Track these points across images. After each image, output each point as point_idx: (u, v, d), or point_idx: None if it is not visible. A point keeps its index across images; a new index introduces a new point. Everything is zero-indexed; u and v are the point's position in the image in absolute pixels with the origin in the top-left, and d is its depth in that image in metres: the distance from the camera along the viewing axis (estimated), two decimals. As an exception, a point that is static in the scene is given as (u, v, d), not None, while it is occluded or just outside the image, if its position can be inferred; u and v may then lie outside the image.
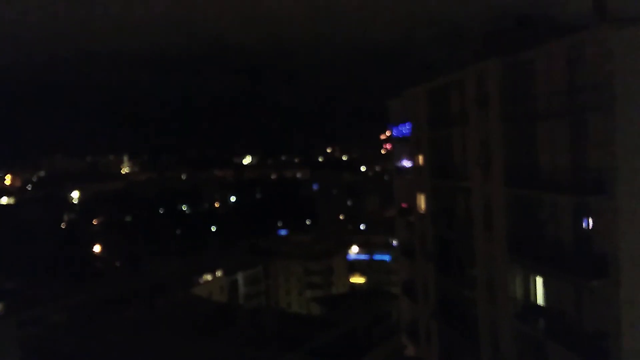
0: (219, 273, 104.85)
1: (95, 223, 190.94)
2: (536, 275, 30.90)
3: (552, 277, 29.00)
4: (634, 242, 24.31)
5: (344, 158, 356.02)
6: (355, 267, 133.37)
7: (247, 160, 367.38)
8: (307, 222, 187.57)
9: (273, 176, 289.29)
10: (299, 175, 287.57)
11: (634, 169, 24.13)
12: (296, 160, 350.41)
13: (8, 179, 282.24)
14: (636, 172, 24.17)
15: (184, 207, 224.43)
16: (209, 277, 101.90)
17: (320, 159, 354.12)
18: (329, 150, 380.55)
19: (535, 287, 31.14)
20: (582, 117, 25.90)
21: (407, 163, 49.76)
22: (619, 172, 24.05)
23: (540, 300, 30.71)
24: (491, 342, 35.12)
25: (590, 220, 26.36)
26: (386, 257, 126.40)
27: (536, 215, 30.37)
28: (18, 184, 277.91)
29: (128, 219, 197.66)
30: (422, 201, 46.09)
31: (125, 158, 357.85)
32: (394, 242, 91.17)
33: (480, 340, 36.51)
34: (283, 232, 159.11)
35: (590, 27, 25.29)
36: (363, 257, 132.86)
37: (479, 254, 36.28)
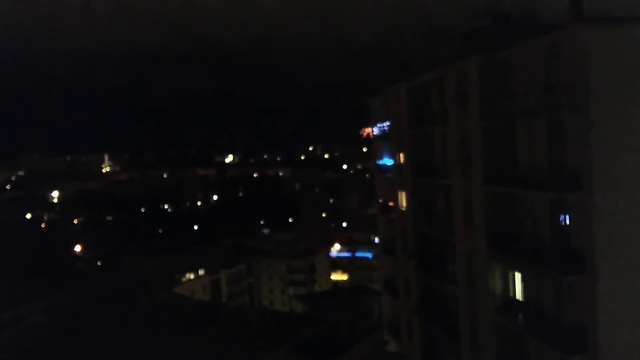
0: (201, 272, 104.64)
1: (76, 222, 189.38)
2: (515, 271, 31.33)
3: (530, 272, 29.42)
4: (610, 238, 24.81)
5: (326, 156, 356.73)
6: (338, 264, 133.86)
7: (229, 158, 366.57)
8: (290, 220, 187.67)
9: (255, 175, 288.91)
10: (281, 173, 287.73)
11: (610, 166, 24.63)
12: (278, 158, 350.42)
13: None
14: (612, 169, 24.68)
15: (166, 206, 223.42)
16: (191, 275, 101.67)
17: (302, 158, 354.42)
18: (311, 149, 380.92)
19: (514, 283, 31.56)
20: (559, 115, 26.31)
21: (388, 161, 50.06)
22: (595, 169, 24.52)
23: (519, 295, 31.13)
24: (471, 337, 35.55)
25: (568, 217, 26.83)
26: (368, 254, 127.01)
27: (515, 212, 30.78)
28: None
29: (109, 218, 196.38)
30: (403, 198, 46.42)
31: (106, 157, 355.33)
32: (376, 239, 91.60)
33: (460, 334, 36.93)
34: (265, 231, 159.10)
35: (566, 26, 25.69)
36: (345, 254, 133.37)
37: (459, 251, 36.68)
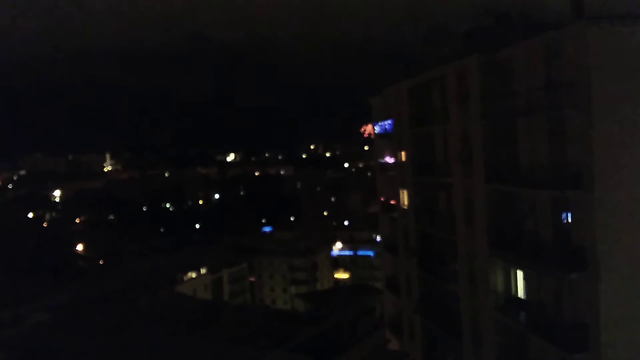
0: (203, 270, 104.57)
1: (77, 222, 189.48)
2: (517, 269, 31.34)
3: (532, 270, 29.42)
4: (611, 236, 24.79)
5: (327, 155, 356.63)
6: (340, 262, 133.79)
7: (230, 157, 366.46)
8: (291, 219, 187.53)
9: (256, 173, 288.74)
10: (282, 172, 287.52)
11: (611, 164, 24.62)
12: (279, 157, 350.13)
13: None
14: (613, 167, 24.66)
15: (168, 205, 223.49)
16: (193, 274, 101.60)
17: (303, 156, 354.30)
18: (312, 147, 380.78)
19: (516, 281, 31.58)
20: (560, 113, 26.30)
21: (389, 159, 50.07)
22: (596, 167, 24.50)
23: (521, 293, 31.16)
24: (473, 335, 35.55)
25: (569, 215, 26.82)
26: (370, 253, 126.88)
27: (516, 210, 30.78)
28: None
29: (111, 217, 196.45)
30: (404, 197, 46.42)
31: (107, 156, 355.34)
32: (378, 238, 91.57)
33: (462, 333, 36.95)
34: (267, 229, 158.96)
35: (567, 24, 25.66)
36: (347, 253, 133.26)
37: (461, 249, 36.68)
